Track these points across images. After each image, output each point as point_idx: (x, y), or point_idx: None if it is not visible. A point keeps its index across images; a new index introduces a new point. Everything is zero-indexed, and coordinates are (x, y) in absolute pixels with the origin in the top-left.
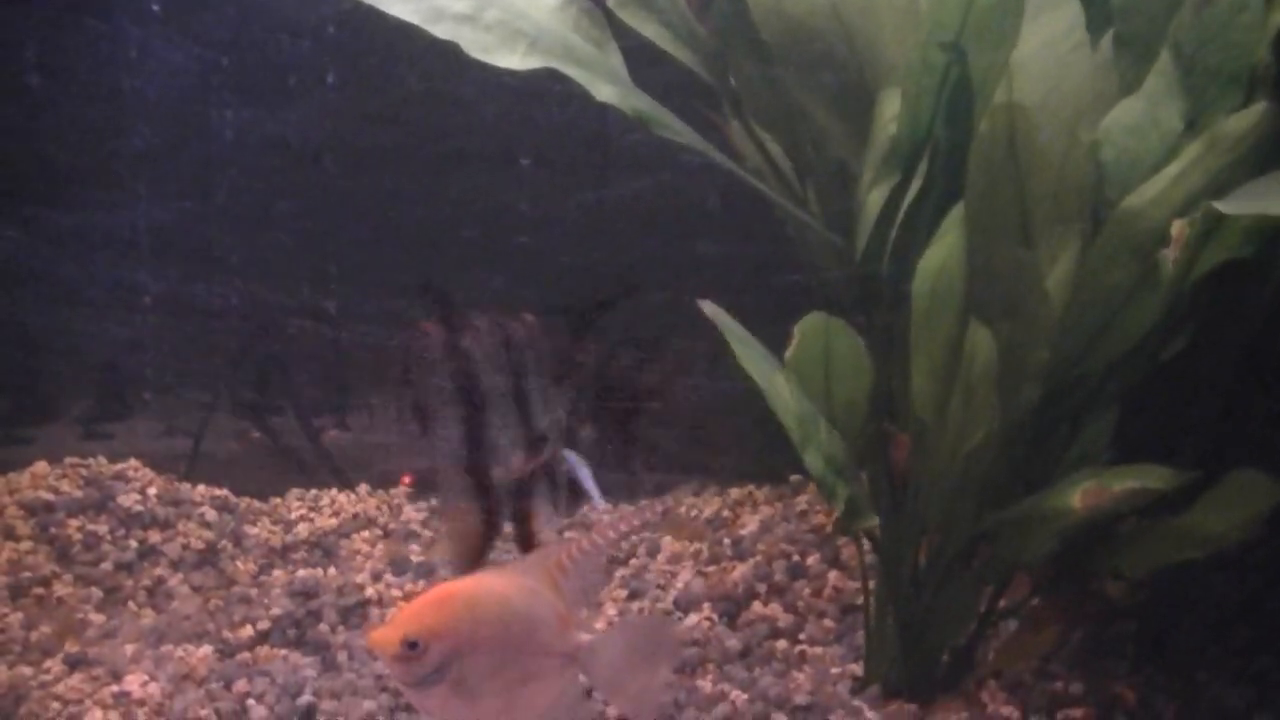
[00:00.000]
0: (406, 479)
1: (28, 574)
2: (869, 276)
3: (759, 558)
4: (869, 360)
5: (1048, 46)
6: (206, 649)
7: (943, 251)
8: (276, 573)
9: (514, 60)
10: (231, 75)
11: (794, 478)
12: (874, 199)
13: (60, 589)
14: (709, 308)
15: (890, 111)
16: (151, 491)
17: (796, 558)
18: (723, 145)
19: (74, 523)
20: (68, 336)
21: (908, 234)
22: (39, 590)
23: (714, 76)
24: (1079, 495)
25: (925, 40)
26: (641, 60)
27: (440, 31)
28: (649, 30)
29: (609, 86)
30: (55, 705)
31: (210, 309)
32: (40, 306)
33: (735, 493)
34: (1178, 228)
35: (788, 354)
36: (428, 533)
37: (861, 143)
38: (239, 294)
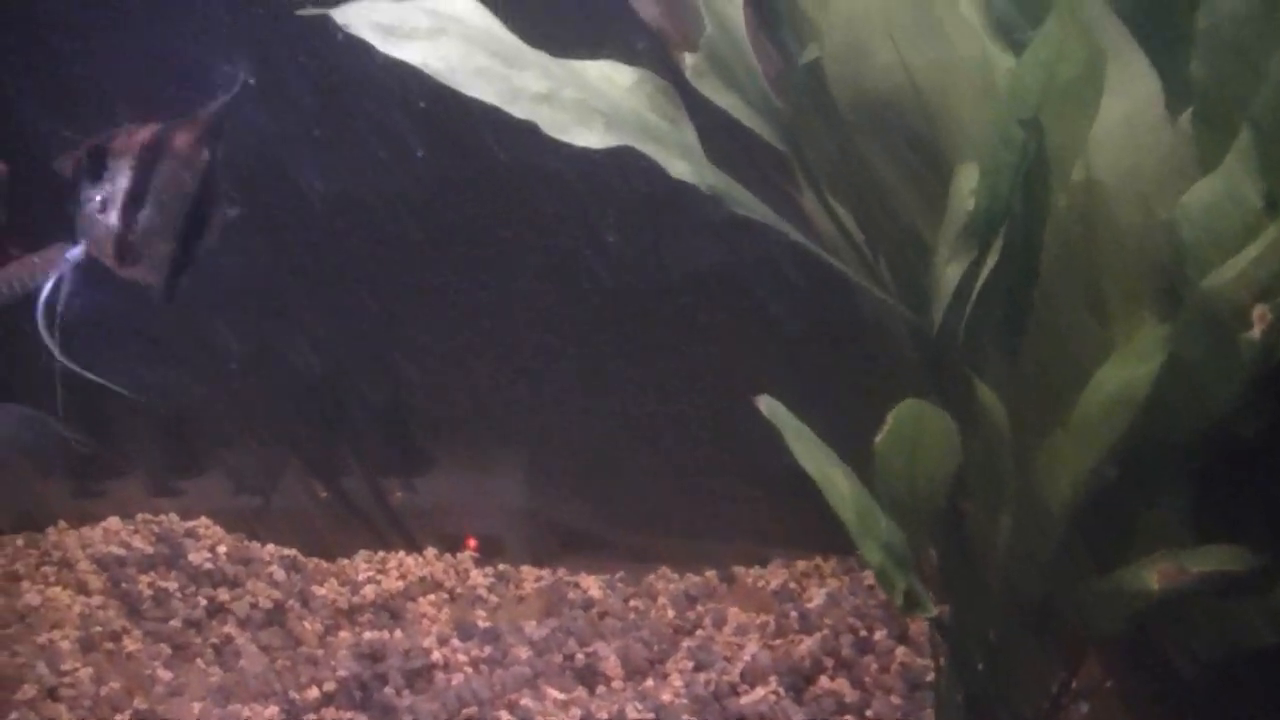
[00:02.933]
0: (471, 542)
1: (98, 628)
2: (944, 352)
3: (826, 631)
4: (958, 442)
5: (1127, 122)
6: (273, 709)
7: None
8: (343, 634)
9: (591, 138)
10: (319, 143)
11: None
12: (950, 274)
13: (130, 644)
14: (765, 403)
15: (967, 186)
16: (221, 549)
17: (864, 632)
18: (794, 214)
19: (145, 578)
20: (140, 389)
21: (983, 310)
22: (109, 645)
23: (788, 147)
24: (1156, 575)
25: (1004, 115)
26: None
27: (518, 111)
28: (726, 102)
29: (683, 163)
30: None
31: (283, 366)
32: (114, 359)
33: (802, 564)
34: (1260, 312)
35: (878, 438)
36: (494, 598)
37: (937, 215)
38: (311, 352)
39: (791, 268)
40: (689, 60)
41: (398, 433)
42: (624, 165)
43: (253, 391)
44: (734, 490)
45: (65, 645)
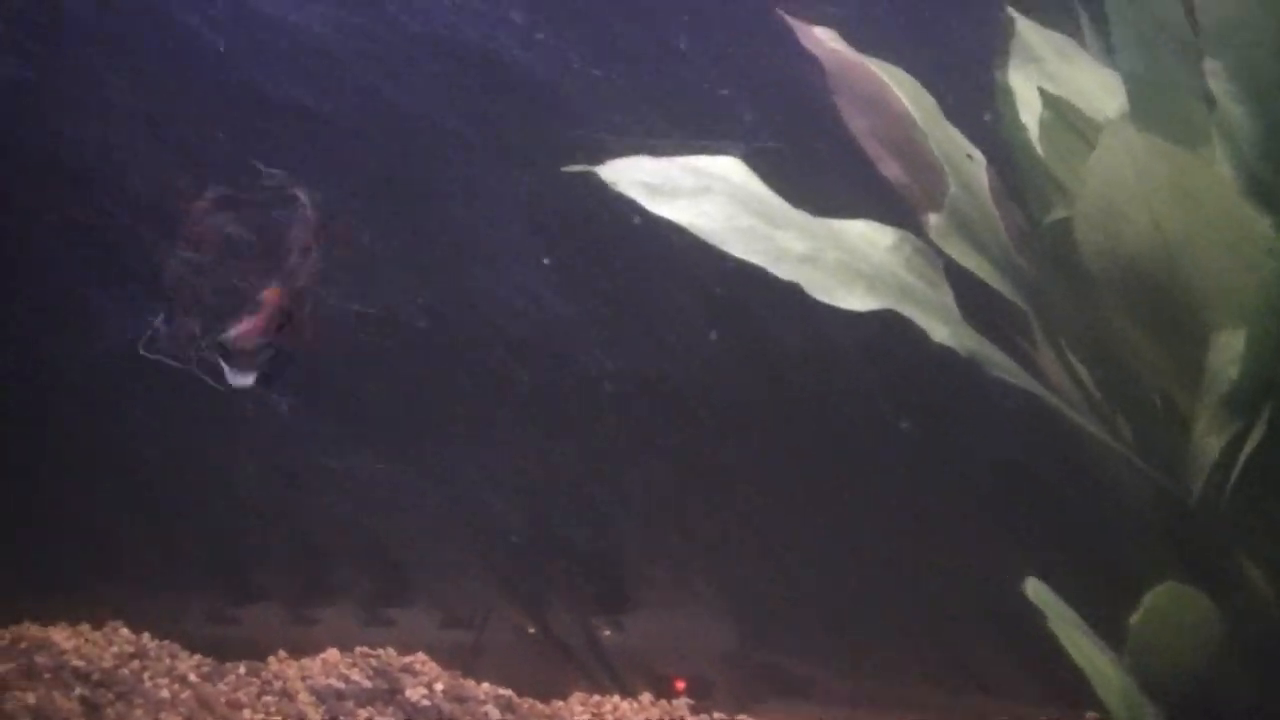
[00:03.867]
0: (680, 684)
1: None
2: (1201, 522)
3: None
4: (1218, 625)
5: None
6: None
7: None
8: None
9: (853, 301)
10: (603, 321)
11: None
12: (1210, 444)
13: None
14: (1032, 587)
15: (1229, 353)
16: (438, 686)
17: None
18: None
19: (363, 713)
20: (354, 520)
21: (1247, 483)
22: None
23: (1029, 304)
24: None
25: (1271, 282)
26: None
27: (782, 272)
28: (970, 262)
29: (944, 327)
30: None
31: (491, 501)
32: (330, 496)
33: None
34: None
35: (1135, 619)
36: None
37: (1187, 379)
38: (520, 489)
39: (1028, 425)
40: (933, 220)
41: (606, 570)
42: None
43: (462, 524)
44: (959, 638)
45: None
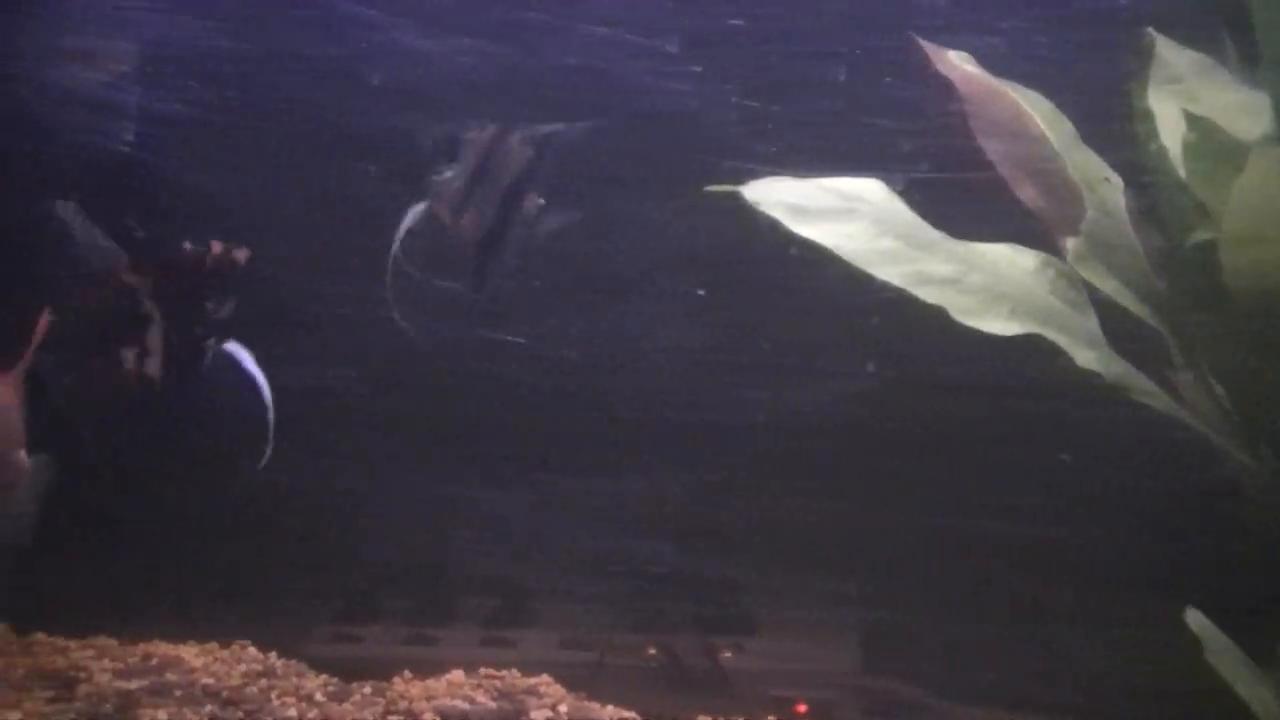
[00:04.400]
0: (802, 707)
1: None
2: None
3: None
4: None
5: None
6: None
7: None
8: None
9: (997, 325)
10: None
11: None
12: None
13: None
14: (1192, 617)
15: None
16: (563, 709)
17: None
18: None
19: None
20: (473, 545)
21: None
22: None
23: (1167, 327)
24: None
25: None
26: None
27: (927, 295)
28: (1108, 286)
29: (1089, 351)
30: None
31: (610, 524)
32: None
33: None
34: None
35: None
36: None
37: None
38: (643, 510)
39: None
40: (1070, 243)
41: (725, 593)
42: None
43: (582, 550)
44: (1085, 668)
45: None
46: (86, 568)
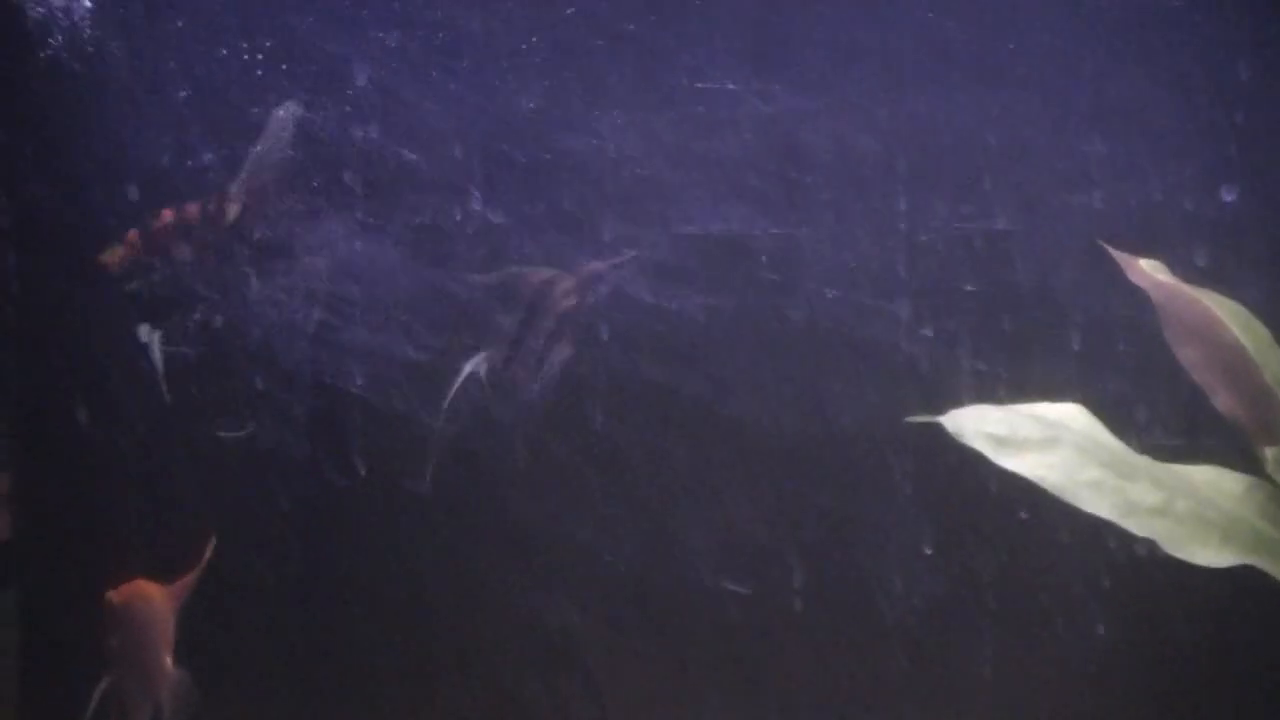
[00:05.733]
0: None
1: None
2: None
3: None
4: None
5: None
6: None
7: None
8: None
9: (1207, 555)
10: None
11: None
12: None
13: None
14: None
15: None
16: None
17: None
18: None
19: None
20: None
21: None
22: None
23: None
24: None
25: None
26: None
27: (1134, 527)
28: None
29: None
30: None
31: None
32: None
33: None
34: None
35: None
36: None
37: None
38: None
39: None
40: (1270, 453)
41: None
42: None
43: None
44: None
45: None
46: None
